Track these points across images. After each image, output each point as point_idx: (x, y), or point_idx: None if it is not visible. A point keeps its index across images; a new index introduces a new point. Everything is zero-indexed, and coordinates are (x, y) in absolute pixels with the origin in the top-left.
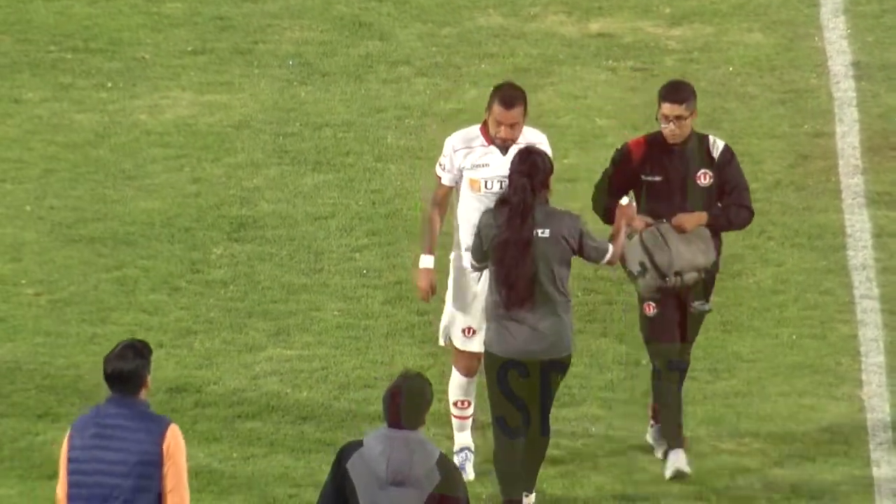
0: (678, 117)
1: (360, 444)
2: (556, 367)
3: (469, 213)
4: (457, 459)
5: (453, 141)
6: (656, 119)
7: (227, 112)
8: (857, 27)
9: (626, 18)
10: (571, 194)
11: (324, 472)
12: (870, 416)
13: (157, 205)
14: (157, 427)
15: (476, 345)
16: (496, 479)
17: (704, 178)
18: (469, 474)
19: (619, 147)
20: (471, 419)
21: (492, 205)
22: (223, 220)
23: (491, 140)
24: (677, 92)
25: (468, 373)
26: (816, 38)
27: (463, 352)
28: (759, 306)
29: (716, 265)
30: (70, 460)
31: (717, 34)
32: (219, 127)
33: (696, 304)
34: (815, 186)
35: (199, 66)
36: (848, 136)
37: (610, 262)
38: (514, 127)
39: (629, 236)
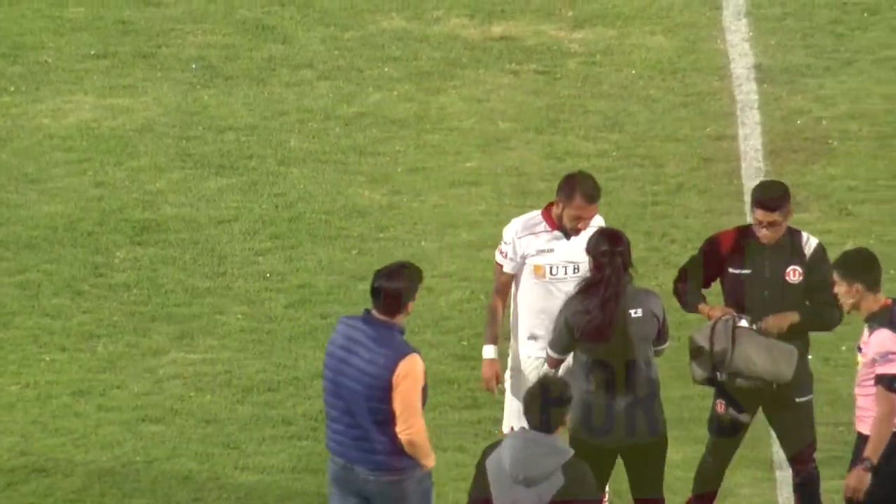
0: (771, 223)
1: (500, 442)
2: (654, 452)
3: (530, 300)
4: None
5: (515, 228)
6: (753, 225)
7: (130, 116)
8: (760, 30)
9: (528, 21)
10: (474, 198)
11: (227, 475)
12: None
13: (60, 209)
14: (394, 355)
15: None
16: None
17: (794, 274)
18: None
19: (708, 237)
20: None
21: (555, 291)
22: (126, 224)
23: (555, 225)
24: (771, 199)
25: None
26: (719, 41)
27: None
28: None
29: (803, 365)
30: (324, 366)
31: (619, 37)
32: (122, 131)
33: (732, 412)
34: (717, 189)
35: (101, 69)
36: (750, 139)
37: (661, 352)
38: (590, 219)
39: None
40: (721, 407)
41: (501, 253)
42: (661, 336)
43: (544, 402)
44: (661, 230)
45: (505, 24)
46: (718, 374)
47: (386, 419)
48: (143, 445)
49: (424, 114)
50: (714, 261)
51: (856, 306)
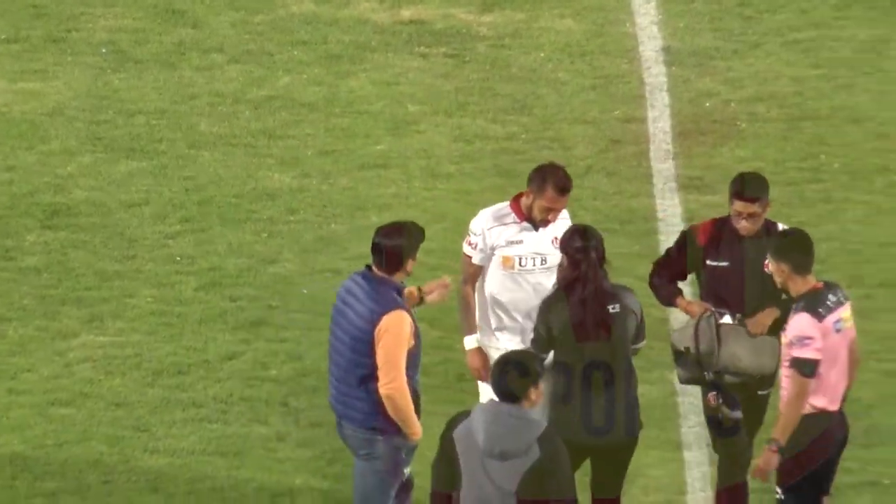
0: (751, 215)
1: (468, 413)
2: (629, 448)
3: (498, 292)
4: None
5: (485, 219)
6: (732, 216)
7: (41, 100)
8: (668, 13)
9: (437, 5)
10: (384, 180)
11: (137, 458)
12: (681, 399)
13: None
14: (380, 309)
15: None
16: None
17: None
18: None
19: (685, 229)
20: None
21: (523, 283)
22: (36, 208)
23: (524, 216)
24: (751, 191)
25: None
26: (627, 24)
27: None
28: None
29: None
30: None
31: (528, 20)
32: (32, 115)
33: (727, 411)
34: (626, 171)
35: (12, 54)
36: (659, 122)
37: (638, 350)
38: (560, 210)
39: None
40: (713, 400)
41: (470, 244)
42: (640, 333)
43: (508, 372)
44: (570, 212)
45: (414, 8)
46: (706, 373)
47: (368, 375)
48: (54, 429)
49: (334, 97)
50: (691, 253)
51: (784, 287)
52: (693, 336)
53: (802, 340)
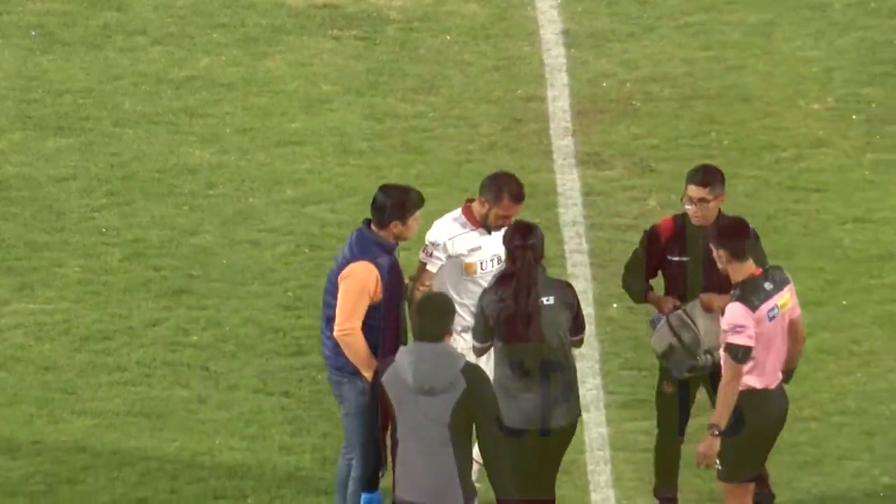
0: (701, 200)
1: (392, 360)
2: (567, 434)
3: (460, 296)
4: None
5: (446, 231)
6: (681, 200)
7: None
8: None
9: None
10: (298, 157)
11: (66, 419)
12: (578, 364)
13: None
14: (350, 258)
15: None
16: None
17: None
18: None
19: (647, 228)
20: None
21: (483, 283)
22: None
23: (478, 223)
24: (702, 175)
25: None
26: (529, 8)
27: None
28: None
29: None
30: None
31: (435, 5)
32: None
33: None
34: (528, 148)
35: None
36: (559, 101)
37: (580, 342)
38: (516, 216)
39: (655, 321)
40: (669, 387)
41: (427, 253)
42: (578, 325)
43: (429, 312)
44: (475, 186)
45: None
46: (698, 358)
47: (332, 316)
48: None
49: (251, 77)
50: (654, 251)
51: (725, 272)
52: (670, 332)
53: (735, 328)
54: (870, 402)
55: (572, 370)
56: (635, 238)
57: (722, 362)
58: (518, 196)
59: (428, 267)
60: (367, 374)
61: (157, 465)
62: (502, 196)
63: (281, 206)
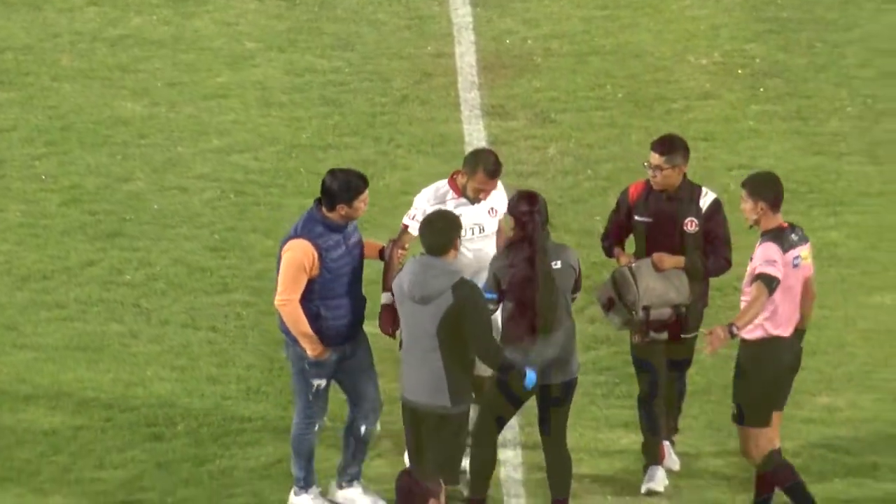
0: (657, 167)
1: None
2: (569, 388)
3: None
4: None
5: (427, 198)
6: (643, 165)
7: None
8: None
9: None
10: (224, 109)
11: (8, 353)
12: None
13: None
14: (293, 234)
15: None
16: (470, 478)
17: (691, 225)
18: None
19: (623, 189)
20: None
21: (464, 251)
22: None
23: (461, 192)
24: (662, 145)
25: None
26: None
27: None
28: (389, 205)
29: (704, 303)
30: None
31: None
32: None
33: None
34: (437, 101)
35: None
36: (465, 56)
37: (574, 299)
38: (492, 191)
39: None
40: (638, 337)
41: (410, 216)
42: (577, 285)
43: (436, 226)
44: (389, 136)
45: None
46: (634, 314)
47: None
48: None
49: (180, 35)
50: (624, 210)
51: (757, 222)
52: (612, 286)
53: (769, 261)
54: None
55: (573, 328)
56: (537, 184)
57: (753, 288)
58: (492, 172)
59: (409, 229)
60: (305, 346)
61: (93, 396)
62: (478, 170)
63: (207, 155)
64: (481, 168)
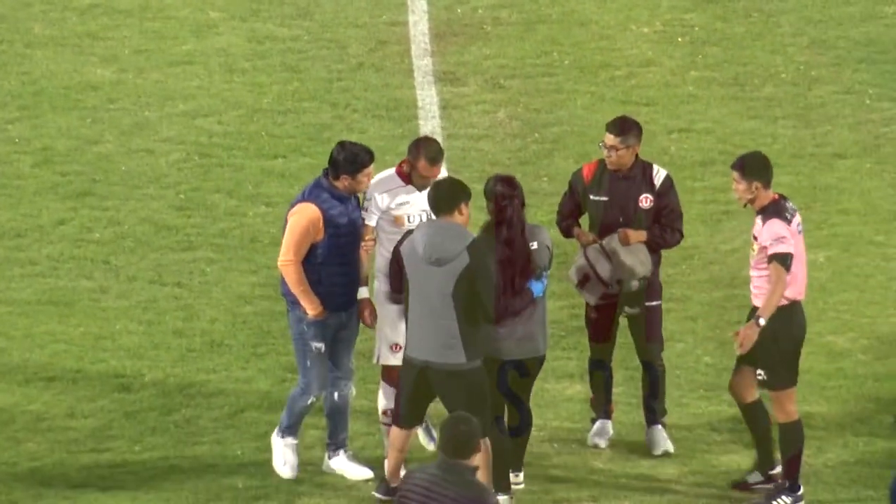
0: (613, 147)
1: (410, 232)
2: (539, 363)
3: (390, 245)
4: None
5: (374, 186)
6: (599, 145)
7: None
8: None
9: None
10: (189, 75)
11: None
12: None
13: None
14: (300, 199)
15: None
16: (492, 475)
17: (646, 201)
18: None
19: (574, 171)
20: None
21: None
22: None
23: (408, 180)
24: (617, 126)
25: (396, 384)
26: None
27: (394, 368)
28: None
29: (654, 274)
30: None
31: None
32: None
33: (627, 309)
34: (391, 67)
35: None
36: (419, 25)
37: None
38: (437, 176)
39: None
40: (592, 310)
41: (364, 209)
42: (549, 263)
43: (443, 190)
44: (345, 101)
45: None
46: (609, 287)
47: None
48: None
49: (147, 4)
50: (579, 190)
51: (751, 201)
52: (587, 263)
53: (779, 239)
54: (693, 291)
55: (545, 305)
56: (487, 146)
57: (769, 272)
58: (432, 160)
59: (367, 221)
60: (305, 305)
61: (65, 348)
62: (420, 158)
63: (173, 119)
64: (423, 156)
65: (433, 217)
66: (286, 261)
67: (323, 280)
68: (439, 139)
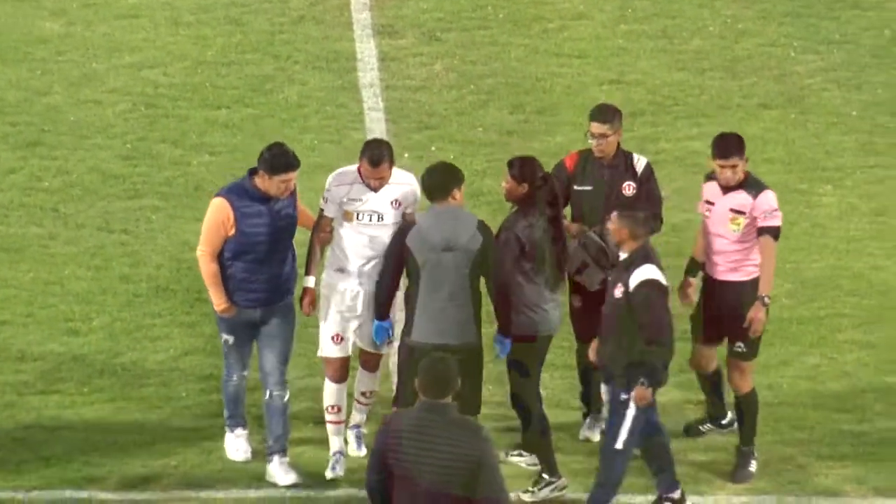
0: (602, 135)
1: (413, 224)
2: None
3: (341, 239)
4: (331, 462)
5: (333, 178)
6: (585, 135)
7: None
8: None
9: None
10: (136, 28)
11: None
12: None
13: None
14: (216, 194)
15: (343, 350)
16: (542, 461)
17: (629, 189)
18: (339, 473)
19: (556, 163)
20: (344, 423)
21: (359, 234)
22: None
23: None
24: (603, 114)
25: (339, 379)
26: None
27: (333, 359)
28: (287, 118)
29: None
30: None
31: None
32: None
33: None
34: (331, 20)
35: None
36: None
37: None
38: (382, 178)
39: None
40: (578, 301)
41: (324, 200)
42: None
43: (437, 174)
44: (287, 53)
45: None
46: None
47: None
48: None
49: None
50: (563, 181)
51: (745, 174)
52: (583, 251)
53: (774, 212)
54: None
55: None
56: (424, 97)
57: (763, 244)
58: (372, 161)
59: (325, 212)
60: (212, 296)
61: (15, 293)
62: (363, 159)
63: (120, 70)
64: (365, 157)
65: (388, 218)
66: (200, 251)
67: (233, 275)
68: (378, 90)
